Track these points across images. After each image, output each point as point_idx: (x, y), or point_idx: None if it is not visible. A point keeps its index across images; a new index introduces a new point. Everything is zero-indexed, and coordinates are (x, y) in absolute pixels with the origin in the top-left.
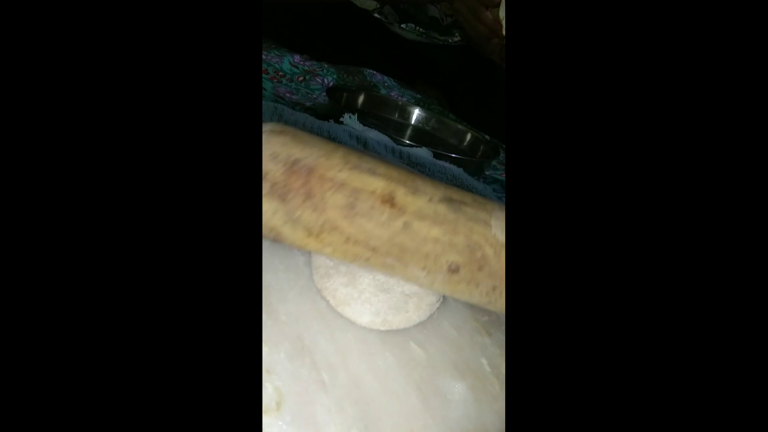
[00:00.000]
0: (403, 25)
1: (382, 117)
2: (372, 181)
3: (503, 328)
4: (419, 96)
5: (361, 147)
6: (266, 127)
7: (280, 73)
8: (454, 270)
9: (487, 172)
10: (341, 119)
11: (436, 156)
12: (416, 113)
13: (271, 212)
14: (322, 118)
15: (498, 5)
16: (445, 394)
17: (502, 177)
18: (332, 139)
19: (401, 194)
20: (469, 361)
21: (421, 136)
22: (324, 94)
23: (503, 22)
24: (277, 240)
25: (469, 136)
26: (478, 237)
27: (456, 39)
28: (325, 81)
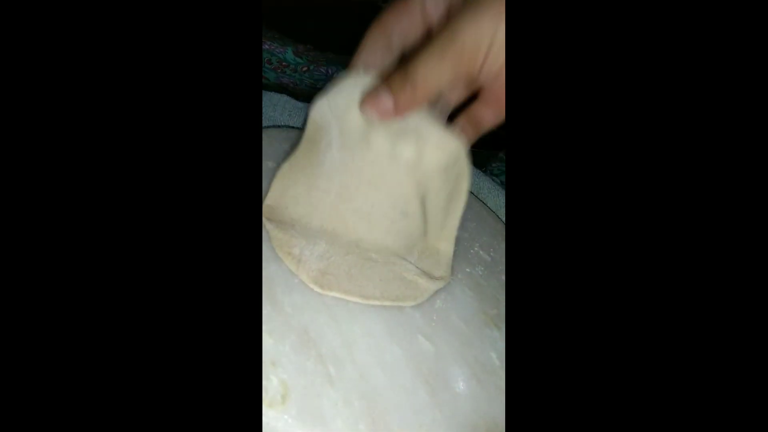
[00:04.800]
0: None
1: None
2: None
3: None
4: None
5: None
6: None
7: (284, 64)
8: None
9: (493, 164)
10: None
11: None
12: None
13: None
14: None
15: None
16: (453, 388)
17: None
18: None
19: None
20: (478, 355)
21: None
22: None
23: None
24: None
25: None
26: None
27: None
28: (329, 71)
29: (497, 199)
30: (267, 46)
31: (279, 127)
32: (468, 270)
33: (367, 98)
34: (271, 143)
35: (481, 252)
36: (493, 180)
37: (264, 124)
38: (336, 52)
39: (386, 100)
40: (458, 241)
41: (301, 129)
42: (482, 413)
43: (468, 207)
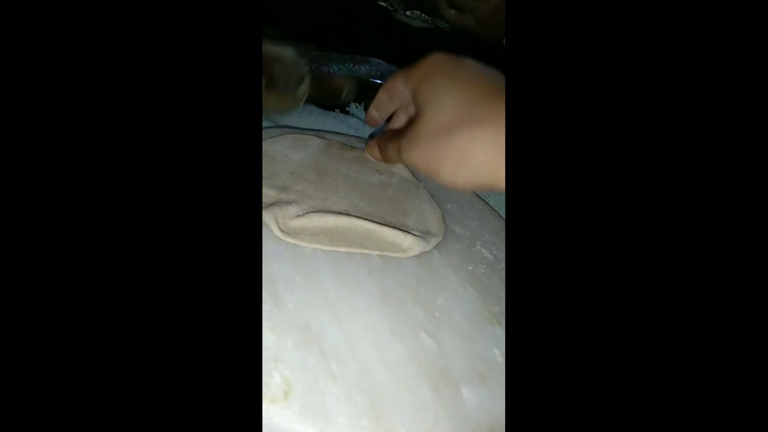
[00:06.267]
0: (408, 12)
1: None
2: None
3: None
4: None
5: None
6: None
7: None
8: None
9: None
10: (347, 108)
11: None
12: None
13: None
14: (327, 108)
15: None
16: (457, 385)
17: None
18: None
19: None
20: (481, 352)
21: None
22: None
23: None
24: None
25: None
26: None
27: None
28: (331, 71)
29: (499, 197)
30: (269, 47)
31: (280, 127)
32: (470, 268)
33: (372, 145)
34: (271, 143)
35: (483, 250)
36: None
37: (264, 124)
38: (338, 51)
39: (376, 154)
40: (460, 238)
41: (303, 130)
42: (485, 410)
43: (469, 205)
